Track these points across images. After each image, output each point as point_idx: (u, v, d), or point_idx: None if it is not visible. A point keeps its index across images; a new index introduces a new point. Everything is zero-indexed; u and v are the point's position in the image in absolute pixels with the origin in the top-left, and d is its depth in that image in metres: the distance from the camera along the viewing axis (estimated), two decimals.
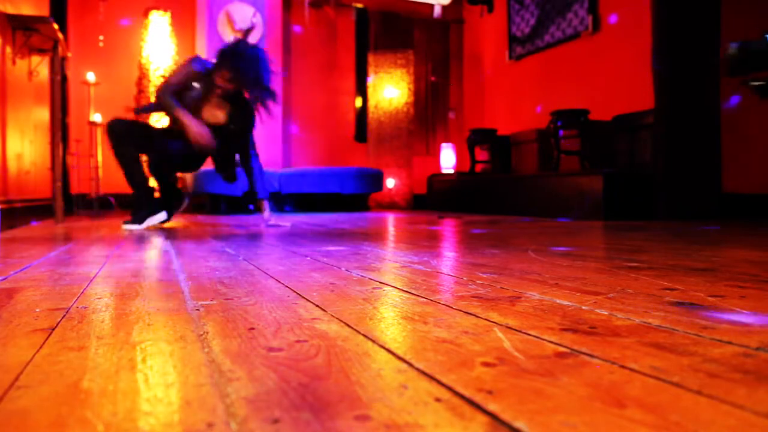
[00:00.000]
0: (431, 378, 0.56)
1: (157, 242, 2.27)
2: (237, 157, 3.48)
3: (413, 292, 1.07)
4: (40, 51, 3.75)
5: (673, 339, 0.70)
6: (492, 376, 0.56)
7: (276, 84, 3.29)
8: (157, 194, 3.32)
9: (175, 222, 3.84)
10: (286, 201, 6.03)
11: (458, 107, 7.60)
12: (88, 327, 0.80)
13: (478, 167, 6.08)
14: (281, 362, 0.62)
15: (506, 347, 0.67)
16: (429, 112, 7.53)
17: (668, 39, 3.82)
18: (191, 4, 6.63)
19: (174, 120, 3.13)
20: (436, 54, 7.54)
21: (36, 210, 3.78)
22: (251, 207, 5.80)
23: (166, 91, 3.11)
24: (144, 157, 3.29)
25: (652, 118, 4.04)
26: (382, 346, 0.68)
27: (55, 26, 3.39)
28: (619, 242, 2.13)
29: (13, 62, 3.39)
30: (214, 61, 3.12)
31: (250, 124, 3.30)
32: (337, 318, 0.84)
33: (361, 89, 7.26)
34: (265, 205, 3.39)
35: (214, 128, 3.19)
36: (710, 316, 0.82)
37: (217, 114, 3.21)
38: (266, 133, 6.83)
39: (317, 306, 0.94)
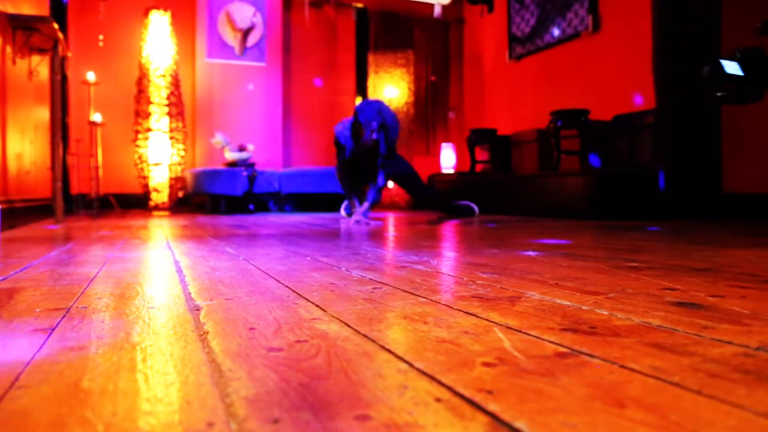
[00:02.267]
0: (431, 378, 0.56)
1: (158, 242, 2.27)
2: None
3: (413, 292, 1.07)
4: (40, 51, 3.75)
5: (673, 339, 0.70)
6: (492, 376, 0.56)
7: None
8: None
9: (176, 222, 3.85)
10: (287, 201, 6.03)
11: (458, 107, 7.60)
12: (88, 327, 0.80)
13: (478, 167, 6.08)
14: (281, 362, 0.62)
15: (506, 347, 0.67)
16: (429, 112, 7.53)
17: (668, 39, 3.82)
18: (191, 4, 6.63)
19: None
20: (436, 54, 7.54)
21: (36, 210, 3.78)
22: (251, 207, 5.80)
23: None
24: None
25: (652, 118, 4.04)
26: (382, 346, 0.68)
27: (55, 26, 3.39)
28: (620, 242, 2.13)
29: (14, 62, 3.39)
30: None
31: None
32: (337, 318, 0.84)
33: (361, 89, 7.26)
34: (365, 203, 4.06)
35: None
36: (710, 316, 0.82)
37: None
38: (266, 133, 6.85)
39: (317, 306, 0.94)
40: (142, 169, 6.12)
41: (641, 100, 4.67)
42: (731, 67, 1.96)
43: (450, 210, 4.47)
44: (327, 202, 6.08)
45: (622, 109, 4.77)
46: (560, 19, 5.63)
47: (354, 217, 3.96)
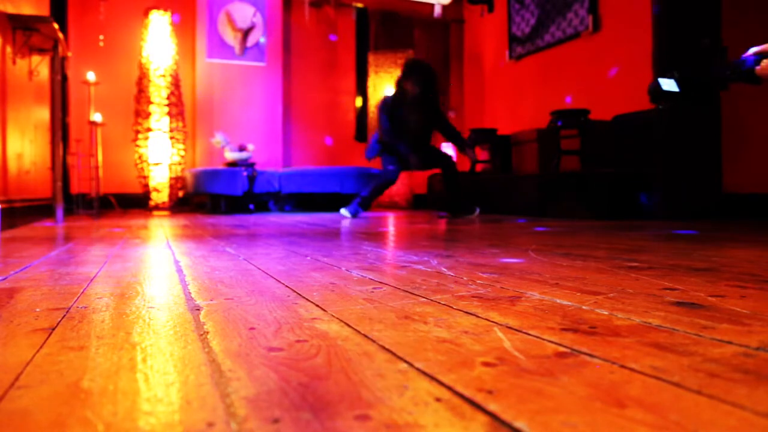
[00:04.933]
0: (431, 378, 0.56)
1: (158, 242, 2.27)
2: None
3: (413, 292, 1.07)
4: (41, 51, 3.75)
5: (674, 339, 0.70)
6: (492, 376, 0.56)
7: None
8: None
9: (177, 221, 3.85)
10: (287, 201, 6.03)
11: (458, 107, 7.60)
12: (88, 327, 0.80)
13: (478, 167, 6.08)
14: (281, 362, 0.62)
15: (506, 347, 0.67)
16: None
17: (668, 39, 3.82)
18: (191, 4, 6.63)
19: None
20: (436, 54, 7.53)
21: (36, 210, 3.78)
22: (251, 207, 5.80)
23: (385, 132, 4.36)
24: None
25: (652, 118, 4.04)
26: (382, 346, 0.68)
27: (56, 26, 3.39)
28: (620, 242, 2.13)
29: (14, 62, 3.39)
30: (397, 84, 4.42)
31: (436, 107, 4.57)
32: (337, 318, 0.84)
33: (361, 89, 7.26)
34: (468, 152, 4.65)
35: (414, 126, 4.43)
36: (710, 316, 0.82)
37: (411, 111, 4.38)
38: (266, 133, 6.84)
39: (317, 306, 0.94)
40: (142, 168, 6.12)
41: (570, 99, 4.67)
42: (668, 85, 2.54)
43: (458, 205, 4.45)
44: (327, 202, 6.07)
45: (622, 109, 4.77)
46: (560, 18, 5.63)
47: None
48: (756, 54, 2.06)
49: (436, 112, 4.52)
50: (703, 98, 3.91)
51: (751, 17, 3.84)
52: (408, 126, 4.38)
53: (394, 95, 4.41)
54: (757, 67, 2.02)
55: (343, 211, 4.31)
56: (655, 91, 2.53)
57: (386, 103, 4.40)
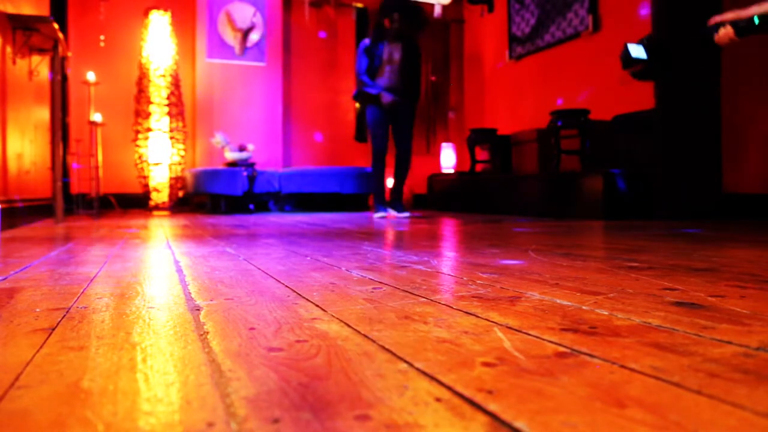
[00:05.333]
0: (431, 378, 0.56)
1: (158, 242, 2.27)
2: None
3: (413, 292, 1.07)
4: (41, 51, 3.75)
5: (674, 339, 0.70)
6: (492, 376, 0.56)
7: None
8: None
9: (177, 221, 3.85)
10: (286, 201, 6.03)
11: (458, 107, 7.60)
12: (88, 327, 0.80)
13: (478, 167, 6.08)
14: (281, 362, 0.62)
15: (506, 347, 0.67)
16: (429, 112, 7.53)
17: (668, 38, 3.82)
18: (191, 4, 6.63)
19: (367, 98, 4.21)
20: (436, 54, 7.53)
21: (36, 210, 3.78)
22: (251, 207, 5.80)
23: (359, 74, 4.21)
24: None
25: (652, 118, 4.04)
26: (382, 346, 0.68)
27: (56, 26, 3.39)
28: (620, 242, 2.13)
29: (14, 62, 3.39)
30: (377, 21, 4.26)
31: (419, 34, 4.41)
32: (337, 318, 0.85)
33: None
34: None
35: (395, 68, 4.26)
36: (710, 316, 0.82)
37: (393, 49, 4.23)
38: (266, 133, 6.84)
39: (317, 306, 0.94)
40: (142, 168, 6.12)
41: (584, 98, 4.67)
42: (636, 51, 2.69)
43: (395, 198, 4.47)
44: (327, 202, 6.07)
45: (622, 109, 4.76)
46: (560, 18, 5.63)
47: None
48: (715, 23, 2.24)
49: (417, 51, 4.32)
50: (705, 98, 3.91)
51: None
52: (388, 65, 4.19)
53: (373, 33, 4.23)
54: (716, 34, 2.20)
55: (376, 216, 4.31)
56: (626, 57, 2.83)
57: (365, 45, 4.22)
